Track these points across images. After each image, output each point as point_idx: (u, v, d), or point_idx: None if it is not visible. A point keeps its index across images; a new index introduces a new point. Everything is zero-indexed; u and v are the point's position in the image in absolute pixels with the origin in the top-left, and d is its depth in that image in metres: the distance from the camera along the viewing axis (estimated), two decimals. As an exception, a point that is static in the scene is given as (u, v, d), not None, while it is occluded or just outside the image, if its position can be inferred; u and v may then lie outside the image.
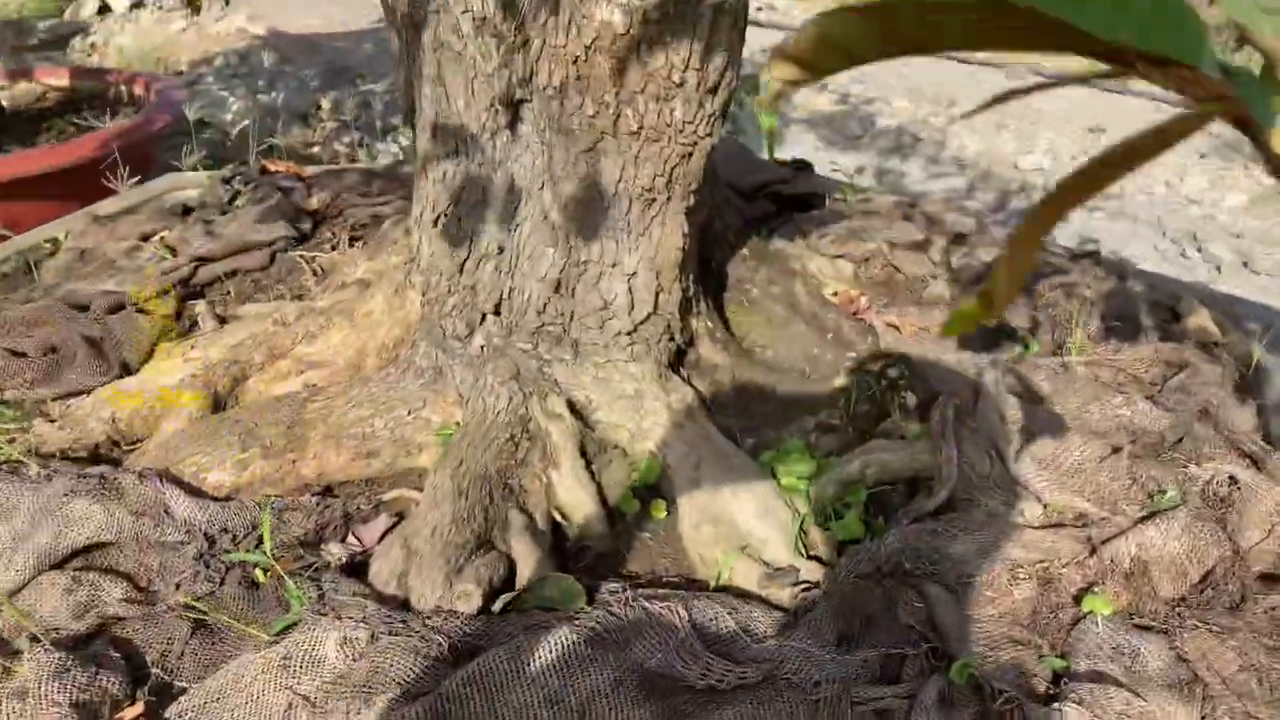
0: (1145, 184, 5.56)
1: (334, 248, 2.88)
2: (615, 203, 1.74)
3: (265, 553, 1.69)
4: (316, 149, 6.08)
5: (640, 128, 1.63)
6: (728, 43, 1.59)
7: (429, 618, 1.46)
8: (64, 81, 5.23)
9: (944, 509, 1.79)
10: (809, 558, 1.68)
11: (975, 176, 5.82)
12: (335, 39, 8.19)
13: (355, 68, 7.39)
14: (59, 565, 1.63)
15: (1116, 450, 1.83)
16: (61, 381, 2.18)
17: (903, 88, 7.02)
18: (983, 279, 2.69)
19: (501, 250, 1.87)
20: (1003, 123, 6.58)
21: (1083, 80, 0.44)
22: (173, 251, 2.85)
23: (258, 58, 7.59)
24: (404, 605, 1.54)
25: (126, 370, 2.24)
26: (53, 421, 1.98)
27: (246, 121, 5.87)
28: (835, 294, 2.55)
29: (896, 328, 2.33)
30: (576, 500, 1.78)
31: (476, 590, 1.49)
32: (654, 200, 1.74)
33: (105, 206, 3.22)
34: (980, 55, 7.91)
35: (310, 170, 3.43)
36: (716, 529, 1.70)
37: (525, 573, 1.60)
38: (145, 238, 2.97)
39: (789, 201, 3.13)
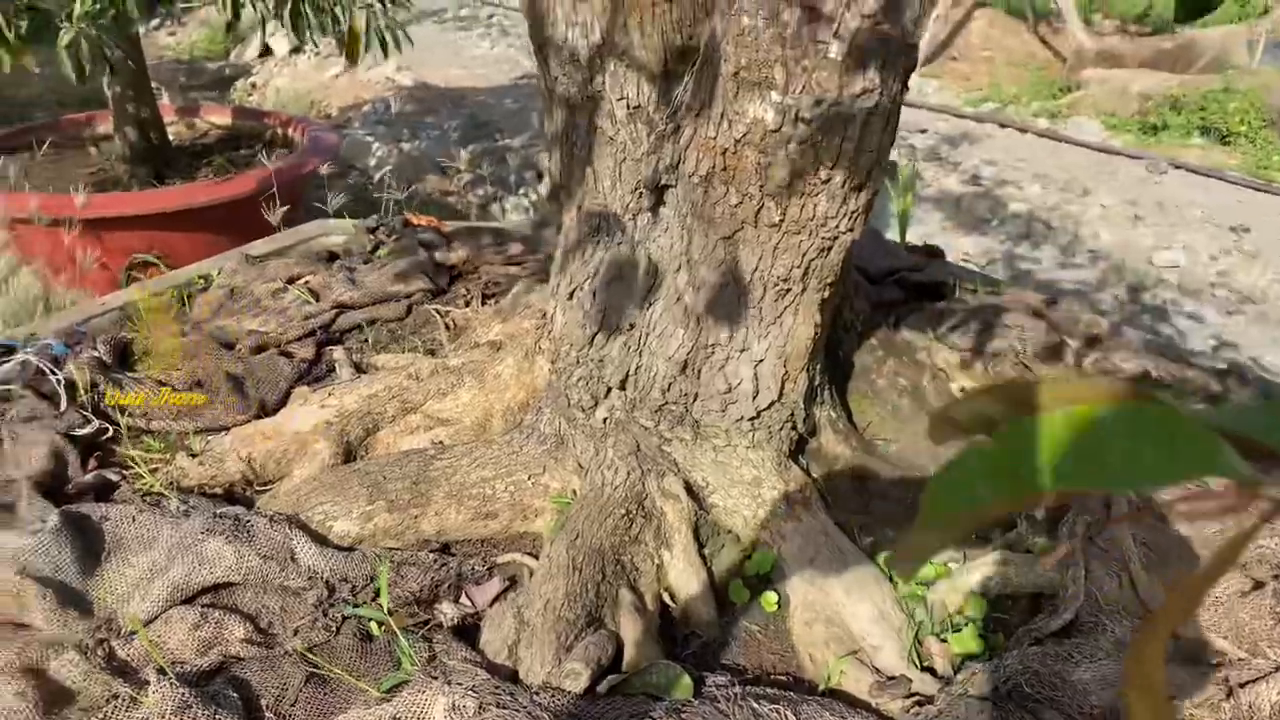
0: (1288, 285, 5.31)
1: (467, 304, 2.97)
2: (749, 290, 1.75)
3: (382, 607, 1.73)
4: (452, 198, 6.31)
5: (782, 220, 1.64)
6: (877, 143, 1.59)
7: (537, 693, 1.47)
8: (226, 120, 5.57)
9: (1068, 631, 1.71)
10: (923, 669, 1.63)
11: (1107, 269, 5.64)
12: (478, 92, 8.51)
13: (495, 122, 7.66)
14: (188, 600, 1.71)
15: (1259, 585, 1.73)
16: (204, 416, 2.30)
17: (1034, 172, 6.89)
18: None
19: (632, 327, 1.90)
20: (1140, 214, 6.38)
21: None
22: (315, 296, 2.99)
23: (403, 106, 7.94)
24: (512, 676, 1.55)
25: (264, 409, 2.34)
26: (194, 456, 2.08)
27: (388, 168, 6.13)
28: (963, 390, 2.50)
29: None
30: (687, 584, 1.77)
31: (585, 671, 1.49)
32: (788, 290, 1.74)
33: (257, 247, 3.40)
34: (1117, 143, 7.71)
35: (450, 225, 3.56)
36: (828, 629, 1.67)
37: (632, 654, 1.60)
38: (291, 280, 3.12)
39: (918, 289, 3.09)
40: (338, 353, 2.61)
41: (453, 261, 3.22)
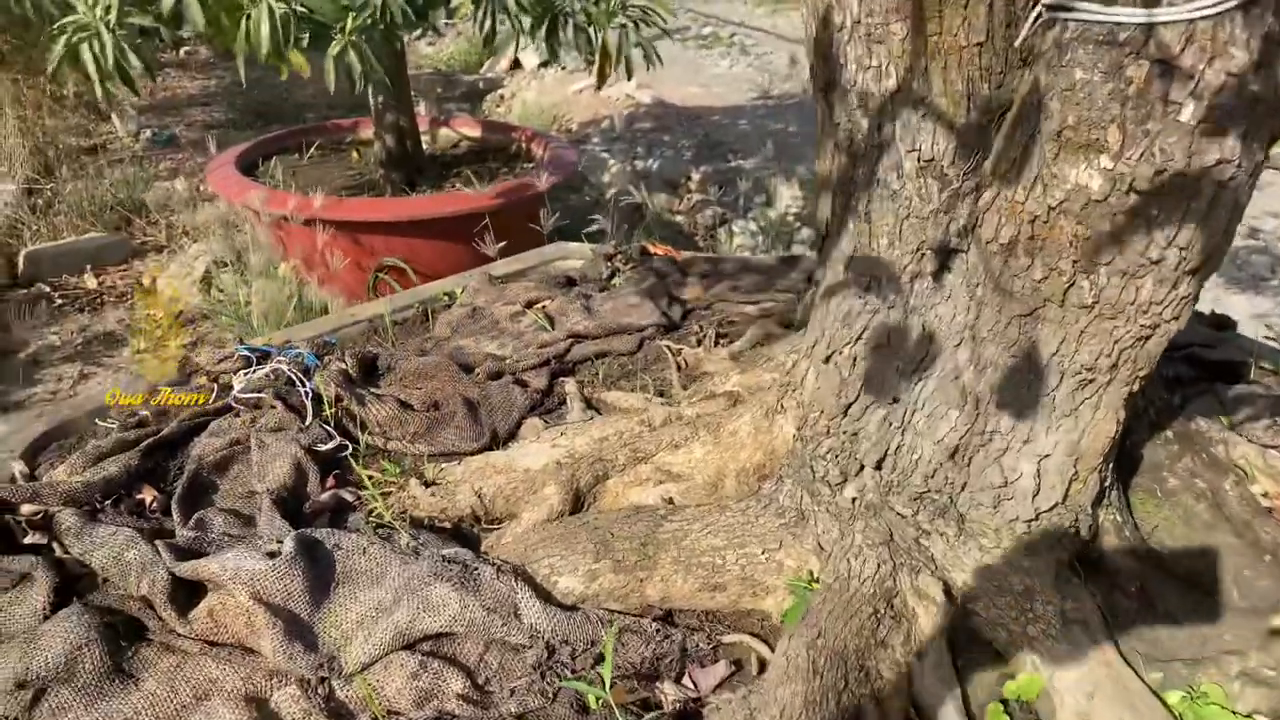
0: None
1: (699, 342, 2.85)
2: (1044, 376, 1.53)
3: (601, 676, 1.62)
4: (680, 218, 6.26)
5: (1095, 302, 1.41)
6: (1225, 221, 1.34)
7: (767, 817, 1.31)
8: (476, 132, 5.75)
9: None
10: None
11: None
12: (714, 111, 8.46)
13: (729, 144, 7.58)
14: (409, 646, 1.66)
15: None
16: (439, 440, 2.28)
17: (1330, 228, 6.10)
18: None
19: (896, 401, 1.71)
20: None
21: None
22: (551, 321, 2.95)
23: (641, 123, 8.00)
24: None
25: (495, 439, 2.30)
26: (427, 486, 2.05)
27: (620, 186, 6.15)
28: (1266, 495, 2.14)
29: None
30: (937, 700, 1.56)
31: (825, 800, 1.32)
32: (1091, 381, 1.50)
33: (498, 267, 3.42)
34: None
35: (685, 255, 3.46)
36: (1109, 784, 1.42)
37: (874, 781, 1.41)
38: (530, 304, 3.11)
39: (1210, 367, 2.72)
40: (569, 385, 2.55)
41: (688, 296, 3.11)
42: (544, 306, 3.08)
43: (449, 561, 1.73)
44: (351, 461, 2.17)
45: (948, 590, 1.67)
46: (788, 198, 6.12)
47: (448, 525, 1.99)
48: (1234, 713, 1.56)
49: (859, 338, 1.71)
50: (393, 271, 4.29)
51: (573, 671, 1.69)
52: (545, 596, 1.74)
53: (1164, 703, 1.54)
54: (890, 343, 1.69)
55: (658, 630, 1.77)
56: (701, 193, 6.39)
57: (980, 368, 1.57)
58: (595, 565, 1.78)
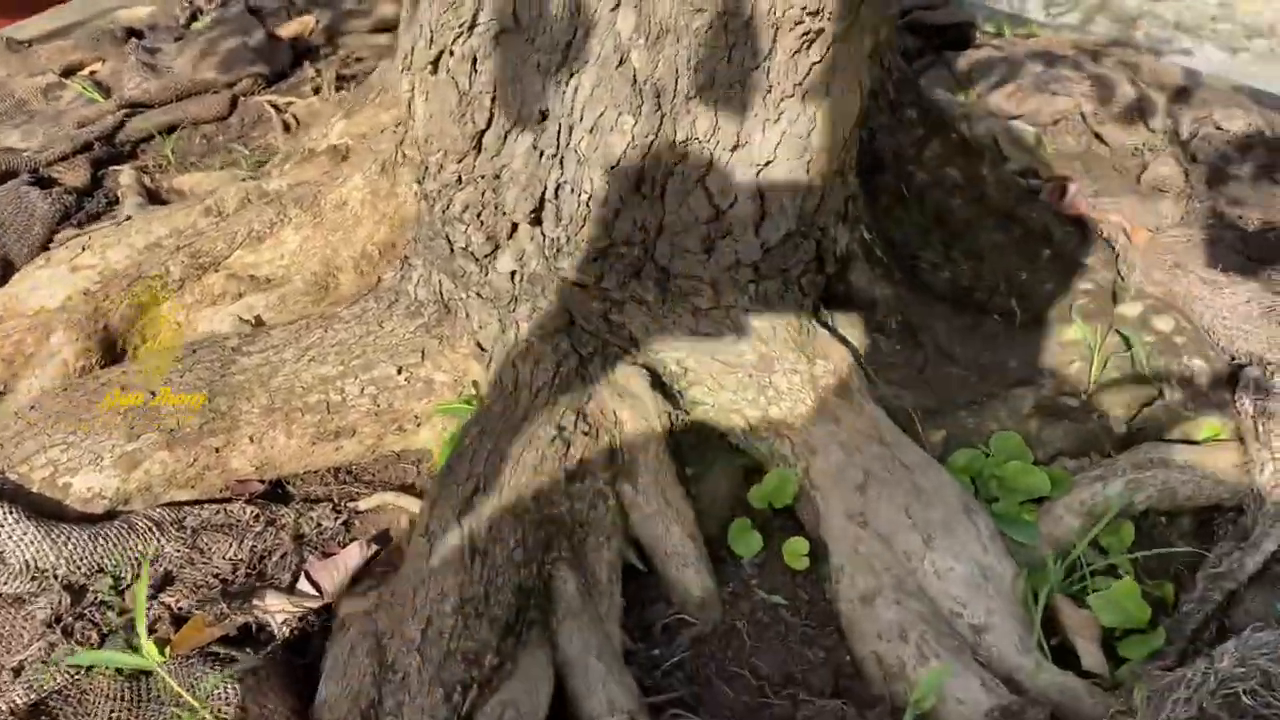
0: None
1: (317, 90, 2.12)
2: (749, 38, 0.97)
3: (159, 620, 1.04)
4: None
5: (813, -109, 0.84)
6: None
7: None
8: None
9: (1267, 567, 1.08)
10: (1050, 647, 1.00)
11: (1093, 5, 4.84)
12: None
13: None
14: None
15: None
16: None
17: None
18: (1228, 162, 1.89)
19: (545, 117, 1.12)
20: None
21: None
22: (107, 92, 2.11)
23: None
24: (371, 774, 0.88)
25: (9, 270, 1.55)
26: None
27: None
28: (1027, 175, 1.77)
29: (1127, 234, 1.57)
30: (663, 535, 1.09)
31: (498, 770, 0.82)
32: (820, 32, 0.96)
33: (26, 28, 2.46)
34: None
35: (295, -21, 2.61)
36: (902, 606, 1.01)
37: (581, 688, 0.93)
38: (70, 71, 2.22)
39: (934, 34, 2.30)
40: (124, 176, 1.78)
41: (296, 31, 2.32)
42: (93, 72, 2.21)
43: None
44: None
45: (657, 379, 1.17)
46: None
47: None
48: (1036, 463, 1.19)
49: (472, 21, 1.08)
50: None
51: (120, 615, 1.09)
52: (52, 514, 1.10)
53: (957, 474, 1.14)
54: (520, 21, 1.07)
55: (256, 516, 1.19)
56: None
57: (654, 39, 0.99)
58: (132, 445, 1.15)
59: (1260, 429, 1.14)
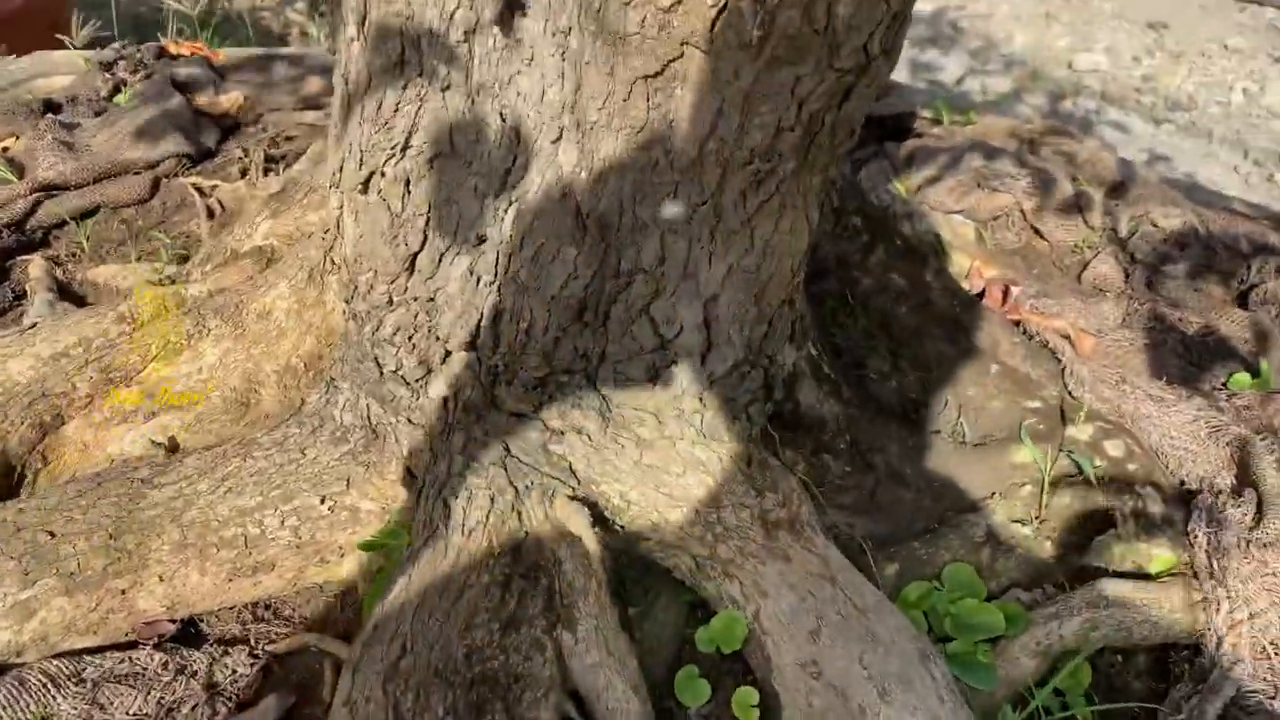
0: (1217, 93, 4.72)
1: (244, 173, 2.04)
2: (696, 174, 0.93)
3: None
4: (265, 15, 5.09)
5: (766, 34, 0.80)
6: None
7: None
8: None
9: (1226, 714, 1.05)
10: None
11: (1023, 75, 4.98)
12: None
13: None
14: None
15: None
16: None
17: (943, -32, 6.07)
18: (1165, 261, 1.91)
19: (483, 241, 1.06)
20: (1053, 14, 5.68)
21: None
22: (20, 171, 2.01)
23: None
24: None
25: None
26: None
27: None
28: (967, 275, 1.76)
29: (1071, 342, 1.56)
30: (603, 688, 1.03)
31: None
32: (770, 172, 0.93)
33: (-65, 97, 2.34)
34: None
35: (226, 54, 2.54)
36: (857, 769, 0.96)
37: None
38: (-19, 146, 2.12)
39: (875, 124, 2.30)
40: (34, 267, 1.68)
41: (224, 108, 2.24)
42: (4, 149, 2.10)
43: None
44: None
45: (598, 514, 1.11)
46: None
47: None
48: (990, 596, 1.15)
49: (405, 144, 1.03)
50: None
51: (6, 788, 0.99)
52: (-68, 673, 1.00)
53: (906, 611, 1.10)
54: (455, 147, 1.02)
55: (164, 664, 1.09)
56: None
57: (596, 175, 0.95)
58: (28, 593, 1.05)
59: (1215, 565, 1.12)
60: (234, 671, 1.11)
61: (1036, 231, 1.97)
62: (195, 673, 1.10)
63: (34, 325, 1.38)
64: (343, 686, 0.93)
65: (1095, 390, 1.39)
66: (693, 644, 1.12)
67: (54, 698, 1.03)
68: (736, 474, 1.11)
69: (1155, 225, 1.94)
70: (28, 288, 1.63)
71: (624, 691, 1.03)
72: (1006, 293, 1.69)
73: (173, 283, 1.44)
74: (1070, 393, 1.40)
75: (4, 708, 1.01)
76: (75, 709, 1.04)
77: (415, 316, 1.12)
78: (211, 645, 1.14)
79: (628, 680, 1.04)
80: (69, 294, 1.65)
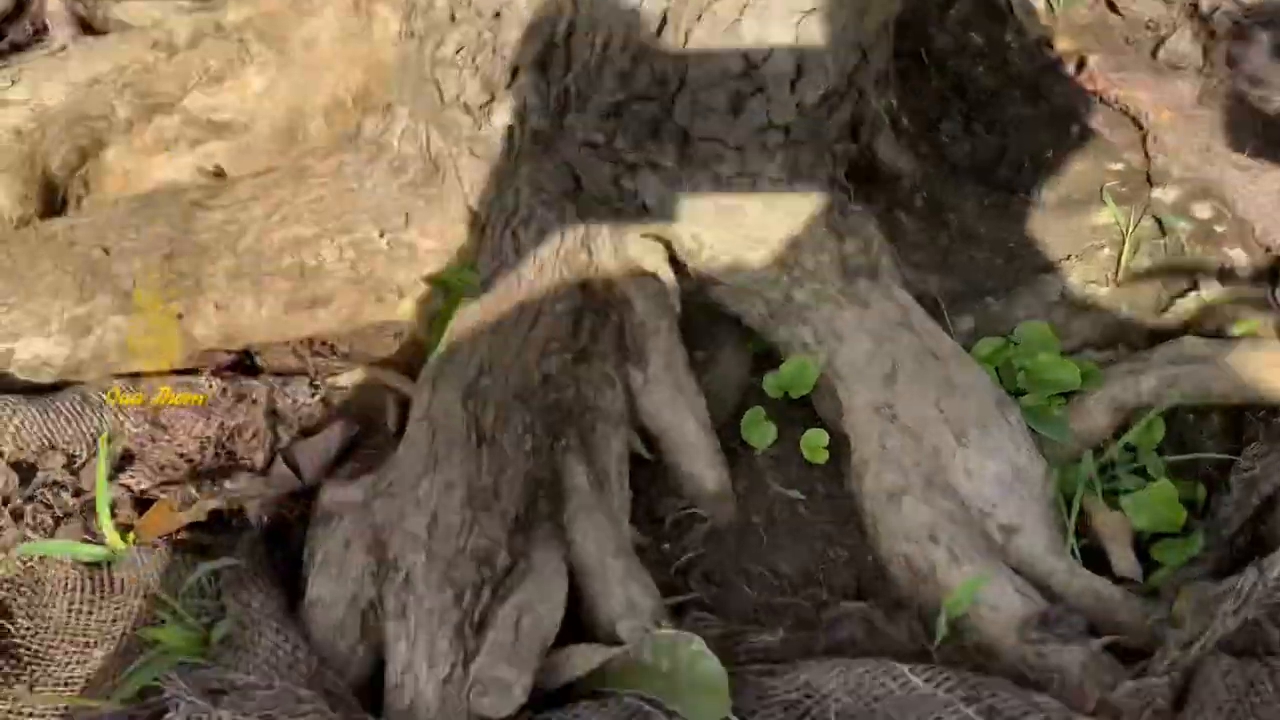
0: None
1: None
2: None
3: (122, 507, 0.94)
4: None
5: None
6: None
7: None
8: None
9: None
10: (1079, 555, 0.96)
11: None
12: None
13: None
14: None
15: None
16: None
17: None
18: (1246, 37, 1.79)
19: (556, -55, 0.97)
20: None
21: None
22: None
23: None
24: (369, 683, 0.81)
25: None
26: None
27: None
28: (1042, 45, 1.66)
29: (1151, 114, 1.48)
30: (673, 423, 1.01)
31: (518, 680, 0.75)
32: None
33: None
34: None
35: None
36: (931, 507, 0.95)
37: (598, 588, 0.86)
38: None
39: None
40: (51, 1, 1.58)
41: None
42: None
43: None
44: None
45: (672, 254, 1.07)
46: None
47: None
48: (1063, 354, 1.12)
49: None
50: None
51: (76, 496, 0.99)
52: (-6, 383, 0.99)
53: (981, 364, 1.07)
54: None
55: (224, 390, 1.08)
56: None
57: None
58: (84, 308, 1.02)
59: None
60: (295, 400, 1.09)
61: (1110, 5, 1.84)
62: (256, 400, 1.08)
63: (63, 48, 1.30)
64: (419, 401, 0.91)
65: (1178, 157, 1.32)
66: (757, 394, 1.11)
67: (116, 414, 1.02)
68: (818, 216, 1.06)
69: (1238, 2, 1.81)
70: (47, 21, 1.54)
71: (694, 428, 1.02)
72: (1081, 64, 1.59)
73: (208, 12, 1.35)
74: (1151, 158, 1.33)
75: (69, 422, 0.99)
76: (138, 428, 1.03)
77: (479, 34, 1.04)
78: (270, 376, 1.12)
79: (698, 418, 1.02)
80: (90, 31, 1.55)
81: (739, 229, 1.05)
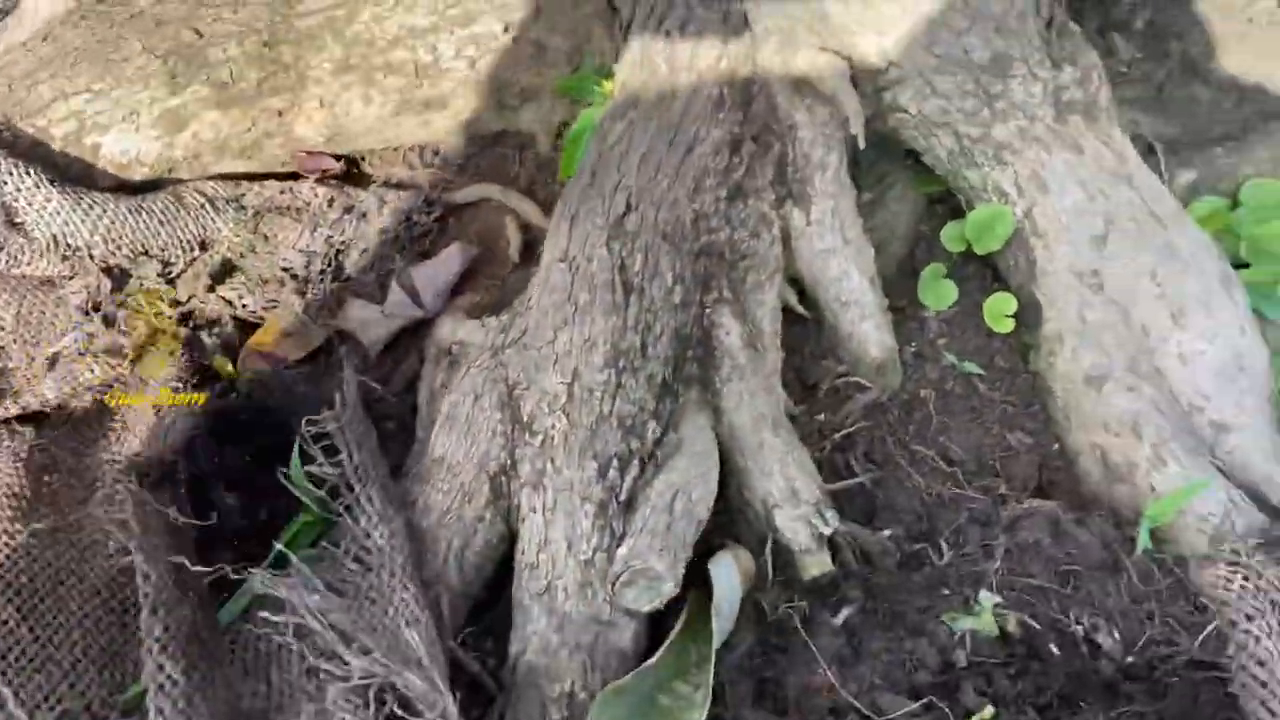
0: None
1: None
2: None
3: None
4: None
5: None
6: None
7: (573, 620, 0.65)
8: None
9: None
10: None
11: None
12: None
13: None
14: None
15: None
16: None
17: None
18: None
19: None
20: None
21: None
22: None
23: None
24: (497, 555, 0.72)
25: None
26: None
27: None
28: None
29: None
30: (837, 277, 0.88)
31: (670, 572, 0.65)
32: None
33: None
34: None
35: None
36: (1136, 395, 0.82)
37: (753, 467, 0.76)
38: None
39: None
40: None
41: None
42: None
43: None
44: None
45: (850, 68, 0.90)
46: None
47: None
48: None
49: None
50: None
51: (173, 304, 0.90)
52: (81, 176, 0.88)
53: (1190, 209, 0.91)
54: None
55: (330, 200, 0.97)
56: None
57: None
58: (177, 99, 0.90)
59: None
60: (408, 218, 0.97)
61: None
62: (365, 214, 0.97)
63: None
64: (556, 240, 0.79)
65: None
66: (927, 246, 0.96)
67: (213, 220, 0.92)
68: (1033, 36, 0.88)
69: None
70: None
71: (860, 283, 0.88)
72: None
73: None
74: None
75: (161, 224, 0.89)
76: (237, 236, 0.93)
77: None
78: (379, 186, 1.00)
79: (864, 271, 0.89)
80: None
81: (935, 46, 0.87)
